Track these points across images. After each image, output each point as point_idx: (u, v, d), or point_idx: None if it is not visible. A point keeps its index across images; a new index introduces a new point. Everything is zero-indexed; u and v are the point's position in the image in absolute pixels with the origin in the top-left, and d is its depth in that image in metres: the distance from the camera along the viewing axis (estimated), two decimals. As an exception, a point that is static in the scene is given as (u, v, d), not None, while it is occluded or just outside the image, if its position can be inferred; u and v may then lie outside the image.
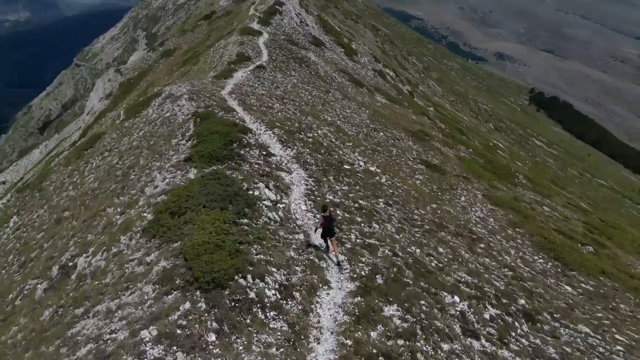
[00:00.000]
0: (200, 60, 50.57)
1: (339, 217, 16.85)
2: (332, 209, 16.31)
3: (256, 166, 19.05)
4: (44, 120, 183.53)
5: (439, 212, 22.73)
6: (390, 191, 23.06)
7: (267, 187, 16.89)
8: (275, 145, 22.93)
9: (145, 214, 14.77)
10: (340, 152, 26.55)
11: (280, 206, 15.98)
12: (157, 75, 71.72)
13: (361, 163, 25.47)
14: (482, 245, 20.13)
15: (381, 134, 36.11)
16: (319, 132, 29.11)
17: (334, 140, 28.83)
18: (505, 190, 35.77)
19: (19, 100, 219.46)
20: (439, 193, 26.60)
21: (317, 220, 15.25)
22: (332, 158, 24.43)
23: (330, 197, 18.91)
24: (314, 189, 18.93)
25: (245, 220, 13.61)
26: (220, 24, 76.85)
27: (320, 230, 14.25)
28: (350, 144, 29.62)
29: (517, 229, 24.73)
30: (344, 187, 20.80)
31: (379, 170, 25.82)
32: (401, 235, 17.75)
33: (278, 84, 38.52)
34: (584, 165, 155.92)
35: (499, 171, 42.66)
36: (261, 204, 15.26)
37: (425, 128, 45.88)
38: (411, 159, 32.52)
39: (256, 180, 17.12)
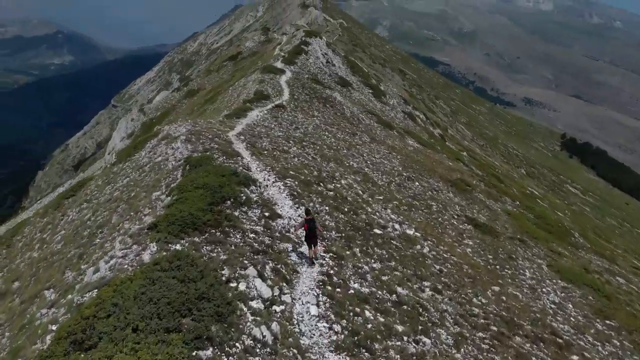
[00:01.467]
0: (218, 99, 46.22)
1: (369, 325, 10.75)
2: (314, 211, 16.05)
3: (252, 236, 13.26)
4: (79, 158, 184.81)
5: (504, 298, 16.28)
6: (437, 267, 16.80)
7: (260, 274, 11.00)
8: (285, 201, 17.19)
9: (46, 336, 9.07)
10: (369, 209, 20.57)
11: (277, 310, 10.00)
12: (178, 115, 68.13)
13: (396, 225, 19.37)
14: (576, 359, 13.53)
15: (417, 183, 30.04)
16: (343, 182, 23.33)
17: (360, 192, 22.95)
18: (569, 255, 28.87)
19: (59, 139, 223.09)
20: (498, 266, 20.11)
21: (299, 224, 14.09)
22: (359, 219, 18.46)
23: (356, 284, 12.85)
24: (332, 271, 12.93)
25: (209, 353, 7.65)
26: (245, 64, 73.56)
27: (303, 233, 13.55)
28: (381, 197, 23.64)
29: (606, 321, 17.94)
30: (374, 265, 14.71)
31: (418, 235, 19.64)
32: (463, 349, 11.45)
33: (298, 124, 33.25)
34: (623, 214, 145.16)
35: (554, 229, 35.73)
36: (245, 310, 9.32)
37: (465, 176, 39.59)
38: (455, 216, 26.20)
39: (246, 263, 11.27)
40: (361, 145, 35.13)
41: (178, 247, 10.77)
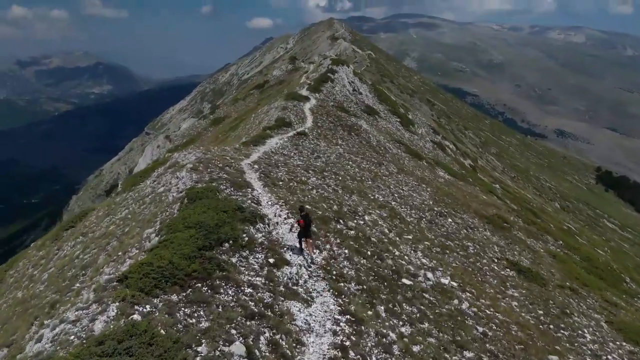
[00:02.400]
0: (240, 127, 44.40)
1: None
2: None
3: (248, 292, 10.49)
4: (111, 183, 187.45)
5: (566, 373, 12.89)
6: (480, 329, 13.56)
7: (249, 352, 8.13)
8: (296, 243, 14.41)
9: None
10: (396, 251, 17.54)
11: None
12: (202, 143, 66.92)
13: (429, 274, 16.23)
14: None
15: (449, 220, 26.81)
16: (367, 218, 20.41)
17: (386, 230, 19.94)
18: (625, 307, 24.89)
19: (93, 165, 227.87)
20: (551, 326, 16.62)
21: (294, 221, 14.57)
22: (384, 265, 15.46)
23: (379, 357, 9.84)
24: (348, 342, 9.96)
25: None
26: (272, 92, 72.31)
27: (296, 231, 13.79)
28: (410, 236, 20.56)
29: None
30: (402, 329, 11.67)
31: (455, 285, 16.45)
32: None
33: (320, 153, 30.71)
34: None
35: (604, 274, 31.68)
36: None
37: (502, 212, 36.02)
38: (495, 259, 22.79)
39: (232, 334, 8.46)
40: (388, 176, 32.25)
41: (137, 316, 8.04)
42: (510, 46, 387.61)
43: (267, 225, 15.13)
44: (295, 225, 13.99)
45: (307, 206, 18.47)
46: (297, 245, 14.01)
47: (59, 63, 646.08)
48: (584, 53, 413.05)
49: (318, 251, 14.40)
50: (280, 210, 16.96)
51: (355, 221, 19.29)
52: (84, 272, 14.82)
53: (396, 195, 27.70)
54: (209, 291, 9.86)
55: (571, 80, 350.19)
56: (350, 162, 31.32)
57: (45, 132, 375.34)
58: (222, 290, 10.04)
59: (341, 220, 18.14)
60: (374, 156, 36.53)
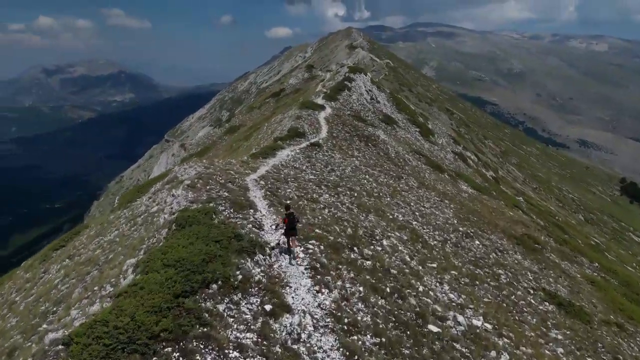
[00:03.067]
0: (253, 136, 42.35)
1: None
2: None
3: (234, 356, 8.10)
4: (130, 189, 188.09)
5: None
6: (525, 393, 10.93)
7: None
8: (301, 280, 12.05)
9: None
10: (420, 286, 14.98)
11: None
12: (217, 152, 65.34)
13: (459, 316, 13.58)
14: None
15: (477, 242, 24.09)
16: (385, 242, 17.91)
17: (408, 258, 17.40)
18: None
19: (114, 171, 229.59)
20: (607, 381, 13.86)
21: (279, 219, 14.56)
22: (407, 305, 12.92)
23: None
24: None
25: None
26: (287, 101, 70.36)
27: (282, 230, 13.68)
28: (435, 264, 17.97)
29: None
30: (432, 401, 9.15)
31: (489, 327, 13.82)
32: None
33: (334, 166, 28.33)
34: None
35: (648, 301, 28.44)
36: None
37: (531, 230, 33.05)
38: (530, 290, 19.99)
39: None
40: (407, 191, 29.66)
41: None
42: (531, 55, 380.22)
43: (267, 257, 12.78)
44: (281, 224, 13.80)
45: (318, 230, 16.10)
46: (285, 245, 13.70)
47: (83, 71, 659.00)
48: (607, 62, 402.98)
49: (303, 255, 13.78)
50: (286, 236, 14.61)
51: (372, 247, 16.81)
52: (55, 308, 12.68)
53: (417, 213, 25.10)
54: (181, 359, 7.52)
55: (593, 89, 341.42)
56: (367, 176, 28.84)
57: (69, 138, 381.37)
58: (198, 358, 7.69)
59: (356, 248, 15.66)
60: (393, 169, 33.99)
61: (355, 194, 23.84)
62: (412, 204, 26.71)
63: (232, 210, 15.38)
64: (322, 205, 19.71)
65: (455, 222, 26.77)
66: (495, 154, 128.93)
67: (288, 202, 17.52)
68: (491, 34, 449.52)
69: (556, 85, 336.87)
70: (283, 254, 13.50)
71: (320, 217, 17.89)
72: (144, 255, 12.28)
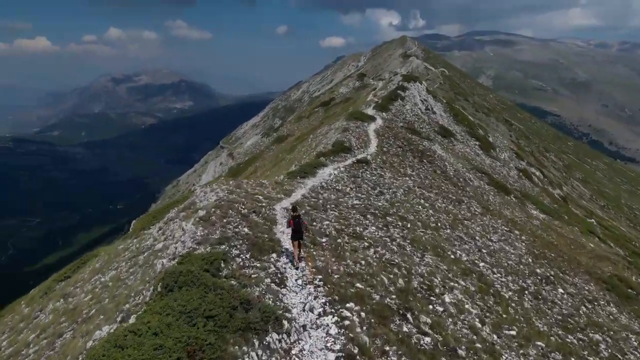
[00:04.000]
0: (297, 149, 38.96)
1: None
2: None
3: None
4: (186, 193, 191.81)
5: None
6: None
7: None
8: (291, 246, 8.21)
9: None
10: (498, 373, 10.60)
11: None
12: (263, 162, 62.79)
13: None
14: None
15: (560, 290, 19.11)
16: (447, 299, 13.60)
17: (478, 323, 12.98)
18: None
19: (173, 175, 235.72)
20: None
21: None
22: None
23: None
24: None
25: None
26: (337, 111, 66.79)
27: (289, 230, 12.59)
28: (514, 331, 13.43)
29: None
30: None
31: None
32: None
33: (383, 188, 24.18)
34: None
35: None
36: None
37: (619, 269, 27.25)
38: (642, 367, 14.95)
39: None
40: (470, 219, 24.96)
41: None
42: (597, 64, 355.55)
43: (284, 336, 8.95)
44: (287, 225, 12.99)
45: (359, 284, 12.11)
46: (291, 248, 12.70)
47: (148, 80, 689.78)
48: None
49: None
50: (314, 297, 10.75)
51: (430, 307, 12.59)
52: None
53: (484, 250, 20.44)
54: None
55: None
56: (422, 200, 24.44)
57: (132, 143, 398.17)
58: None
59: (409, 315, 11.49)
60: (452, 191, 29.30)
61: (409, 225, 19.59)
62: (477, 237, 22.04)
63: (248, 256, 11.73)
64: (366, 244, 15.67)
65: (530, 260, 21.82)
66: (558, 168, 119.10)
67: (297, 205, 15.42)
68: (553, 42, 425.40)
69: (624, 95, 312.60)
70: (289, 261, 12.36)
71: (363, 262, 13.87)
72: (120, 324, 8.84)
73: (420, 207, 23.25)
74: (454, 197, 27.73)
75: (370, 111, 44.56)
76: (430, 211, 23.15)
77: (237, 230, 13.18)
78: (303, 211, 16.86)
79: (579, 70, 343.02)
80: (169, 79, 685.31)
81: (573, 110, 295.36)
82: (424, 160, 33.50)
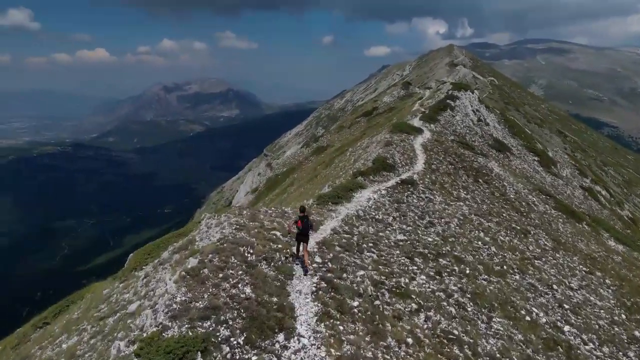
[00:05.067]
0: (333, 164, 35.06)
1: None
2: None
3: None
4: (230, 200, 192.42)
5: None
6: None
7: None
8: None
9: None
10: None
11: None
12: (301, 174, 59.35)
13: None
14: None
15: (674, 367, 14.09)
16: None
17: None
18: None
19: (218, 181, 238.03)
20: None
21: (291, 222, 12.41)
22: None
23: None
24: None
25: None
26: (379, 121, 62.43)
27: (295, 231, 11.83)
28: None
29: None
30: None
31: None
32: None
33: (433, 216, 19.78)
34: None
35: None
36: None
37: None
38: None
39: None
40: (541, 257, 20.10)
41: None
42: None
43: None
44: (293, 226, 11.84)
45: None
46: (294, 250, 12.12)
47: (197, 89, 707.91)
48: None
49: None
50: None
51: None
52: None
53: (566, 306, 15.64)
54: None
55: None
56: (482, 233, 19.83)
57: (181, 150, 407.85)
58: None
59: None
60: (515, 218, 24.40)
61: (468, 271, 15.17)
62: (553, 284, 17.24)
63: (242, 340, 7.89)
64: (414, 306, 11.45)
65: (624, 317, 16.79)
66: (618, 183, 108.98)
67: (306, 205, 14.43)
68: (610, 50, 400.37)
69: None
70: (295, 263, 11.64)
71: (410, 340, 9.70)
72: None
73: (479, 242, 18.69)
74: (519, 227, 22.86)
75: (416, 122, 40.08)
76: (493, 248, 18.53)
77: (234, 292, 9.37)
78: (331, 255, 12.86)
79: (639, 79, 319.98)
80: (217, 88, 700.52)
81: (632, 121, 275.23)
82: (480, 180, 28.70)
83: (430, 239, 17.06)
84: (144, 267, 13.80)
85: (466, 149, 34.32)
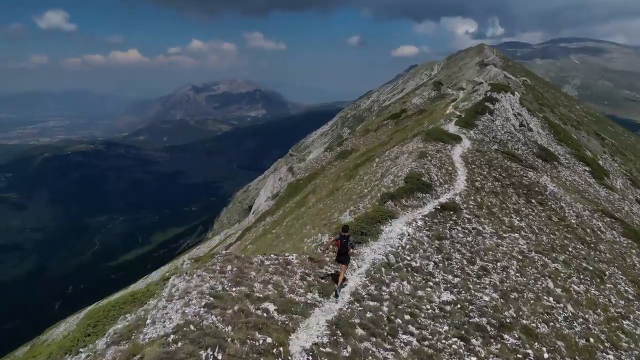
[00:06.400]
0: (357, 177, 30.42)
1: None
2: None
3: None
4: (255, 199, 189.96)
5: None
6: None
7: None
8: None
9: None
10: None
11: None
12: (323, 180, 54.91)
13: None
14: None
15: None
16: None
17: None
18: None
19: (244, 180, 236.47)
20: None
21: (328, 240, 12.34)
22: None
23: None
24: None
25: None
26: (408, 124, 57.36)
27: (333, 251, 11.57)
28: None
29: None
30: None
31: None
32: None
33: (485, 257, 14.99)
34: None
35: None
36: None
37: None
38: None
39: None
40: (627, 315, 15.05)
41: None
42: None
43: None
44: (330, 246, 11.83)
45: None
46: (334, 271, 11.53)
47: (225, 89, 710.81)
48: None
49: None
50: None
51: None
52: None
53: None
54: None
55: None
56: (550, 282, 14.91)
57: (208, 149, 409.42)
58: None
59: None
60: (583, 253, 19.28)
61: (546, 355, 10.40)
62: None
63: None
64: None
65: None
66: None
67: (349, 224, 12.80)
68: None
69: None
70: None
71: None
72: None
73: (550, 297, 13.80)
74: (591, 268, 17.78)
75: (451, 128, 35.07)
76: (569, 307, 13.62)
77: None
78: (349, 347, 8.36)
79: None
80: (245, 88, 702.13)
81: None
82: (533, 201, 23.59)
83: (487, 298, 12.32)
84: (80, 350, 9.60)
85: (513, 161, 29.15)
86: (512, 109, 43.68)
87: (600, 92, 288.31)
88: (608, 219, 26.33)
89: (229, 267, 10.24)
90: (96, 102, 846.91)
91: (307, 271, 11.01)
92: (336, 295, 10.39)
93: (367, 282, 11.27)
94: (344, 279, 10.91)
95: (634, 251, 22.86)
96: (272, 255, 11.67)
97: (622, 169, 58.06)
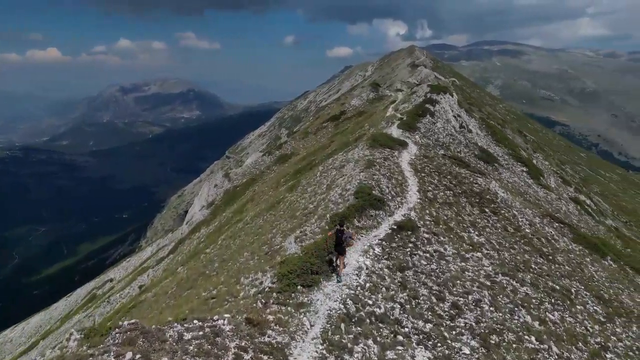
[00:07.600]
0: (300, 187, 27.59)
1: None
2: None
3: None
4: (191, 204, 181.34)
5: None
6: None
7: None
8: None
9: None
10: None
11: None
12: (262, 187, 51.68)
13: None
14: None
15: None
16: None
17: None
18: None
19: (178, 184, 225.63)
20: None
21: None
22: None
23: None
24: None
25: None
26: (348, 127, 55.56)
27: (332, 242, 12.49)
28: None
29: None
30: None
31: None
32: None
33: (453, 289, 12.81)
34: None
35: None
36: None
37: None
38: None
39: None
40: (606, 344, 13.53)
41: None
42: (607, 73, 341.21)
43: None
44: (329, 238, 12.76)
45: None
46: (334, 259, 12.44)
47: (156, 90, 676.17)
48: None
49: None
50: None
51: None
52: None
53: None
54: None
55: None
56: (528, 316, 12.98)
57: (139, 152, 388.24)
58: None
59: None
60: (545, 268, 17.82)
61: None
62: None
63: None
64: None
65: None
66: (577, 182, 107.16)
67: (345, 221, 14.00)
68: (562, 52, 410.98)
69: (635, 105, 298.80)
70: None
71: None
72: None
73: (532, 337, 11.82)
74: (557, 287, 16.26)
75: (395, 131, 33.34)
76: (553, 346, 11.70)
77: None
78: None
79: (588, 80, 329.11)
80: (177, 88, 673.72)
81: (582, 120, 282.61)
82: (487, 210, 22.09)
83: (467, 351, 10.01)
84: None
85: (461, 167, 27.74)
86: (452, 110, 43.04)
87: (519, 91, 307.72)
88: (557, 224, 25.57)
89: (129, 356, 7.05)
90: (13, 103, 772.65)
91: (243, 343, 8.04)
92: (339, 281, 11.53)
93: (324, 352, 8.50)
94: (344, 265, 12.16)
95: (587, 259, 22.02)
96: (196, 322, 8.54)
97: (552, 166, 60.11)
